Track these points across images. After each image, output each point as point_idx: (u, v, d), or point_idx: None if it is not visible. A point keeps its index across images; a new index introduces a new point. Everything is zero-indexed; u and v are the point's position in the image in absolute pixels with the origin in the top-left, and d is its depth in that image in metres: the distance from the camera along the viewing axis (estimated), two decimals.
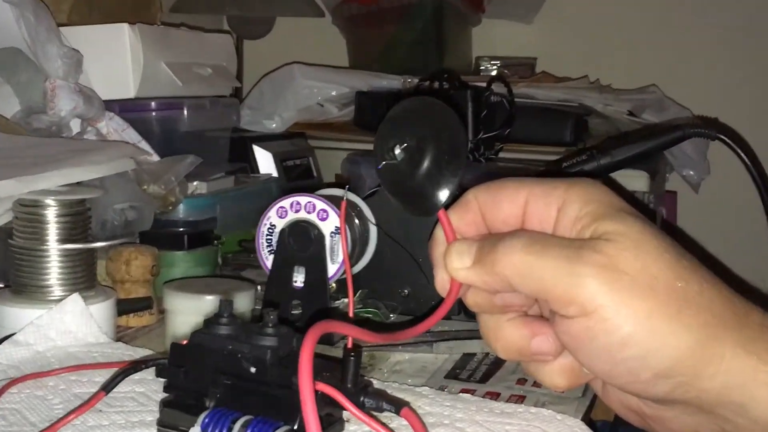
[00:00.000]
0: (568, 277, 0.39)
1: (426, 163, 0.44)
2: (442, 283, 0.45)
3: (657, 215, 1.15)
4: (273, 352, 0.50)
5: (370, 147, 1.49)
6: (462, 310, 0.87)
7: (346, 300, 0.81)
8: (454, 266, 0.43)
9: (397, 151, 0.44)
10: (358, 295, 0.83)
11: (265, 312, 0.51)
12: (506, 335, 0.44)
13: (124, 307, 0.78)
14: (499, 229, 0.44)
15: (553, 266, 0.39)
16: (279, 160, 1.30)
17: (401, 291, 0.84)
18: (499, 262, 0.41)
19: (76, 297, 0.68)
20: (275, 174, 1.28)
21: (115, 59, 1.02)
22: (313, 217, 0.76)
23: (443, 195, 0.44)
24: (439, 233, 0.45)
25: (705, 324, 0.38)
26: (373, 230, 0.83)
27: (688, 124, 0.85)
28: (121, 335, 0.77)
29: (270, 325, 0.51)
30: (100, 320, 0.70)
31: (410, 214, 0.46)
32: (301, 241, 0.76)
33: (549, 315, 0.42)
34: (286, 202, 0.77)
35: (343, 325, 0.46)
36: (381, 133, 0.45)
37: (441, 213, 0.45)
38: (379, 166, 0.45)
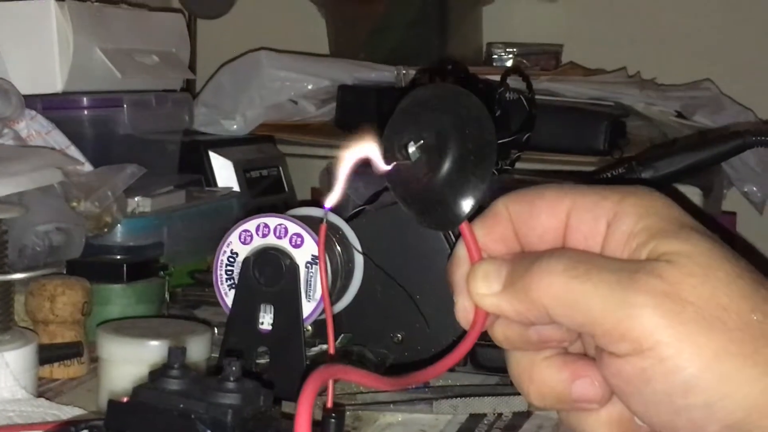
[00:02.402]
0: (619, 308, 0.39)
1: (447, 165, 0.44)
2: (464, 312, 0.45)
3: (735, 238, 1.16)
4: (235, 412, 0.50)
5: None
6: (470, 360, 0.88)
7: (324, 347, 0.82)
8: (480, 291, 0.44)
9: (412, 149, 0.45)
10: (339, 340, 0.83)
11: (225, 362, 0.52)
12: (542, 377, 0.44)
13: (47, 355, 0.79)
14: (535, 246, 0.45)
15: (601, 294, 0.40)
16: (241, 170, 1.31)
17: (393, 336, 0.85)
18: (535, 288, 0.42)
19: None
20: (237, 188, 1.29)
21: (39, 44, 1.03)
22: (284, 244, 0.77)
23: (467, 205, 0.44)
24: (461, 251, 0.46)
25: None
26: (359, 260, 0.83)
27: (750, 131, 0.86)
28: (43, 389, 0.78)
29: (231, 378, 0.51)
30: (18, 371, 0.71)
31: (426, 227, 0.46)
32: (270, 273, 0.76)
33: (595, 353, 0.43)
34: (251, 225, 0.78)
35: (352, 370, 0.45)
36: (392, 127, 0.46)
37: (464, 226, 0.45)
38: (390, 167, 0.45)
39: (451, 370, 0.86)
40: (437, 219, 0.45)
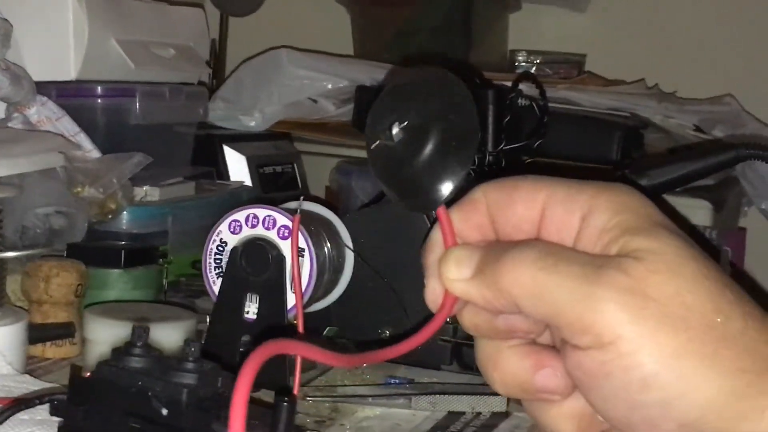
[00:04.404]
0: (583, 300, 0.40)
1: (429, 148, 0.44)
2: (433, 294, 0.45)
3: (722, 255, 1.16)
4: (191, 391, 0.51)
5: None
6: (456, 359, 0.89)
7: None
8: (451, 276, 0.44)
9: (395, 130, 0.45)
10: (325, 333, 0.84)
11: (185, 344, 0.53)
12: (507, 364, 0.44)
13: (38, 334, 0.80)
14: (510, 235, 0.45)
15: (567, 286, 0.40)
16: (254, 166, 1.32)
17: (381, 332, 0.85)
18: (504, 277, 0.42)
19: None
20: (248, 182, 1.30)
21: (54, 32, 1.05)
22: (272, 235, 0.78)
23: (446, 188, 0.44)
24: (436, 235, 0.46)
25: (744, 370, 0.39)
26: (350, 255, 0.84)
27: (745, 143, 0.86)
28: (33, 367, 0.79)
29: (190, 359, 0.52)
30: (5, 347, 0.72)
31: (404, 208, 0.47)
32: (257, 263, 0.78)
33: (559, 345, 0.43)
34: (240, 215, 0.79)
35: (301, 345, 0.45)
36: (378, 107, 0.46)
37: (441, 210, 0.45)
38: (372, 146, 0.45)
39: (437, 368, 0.87)
40: (415, 201, 0.45)
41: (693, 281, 0.40)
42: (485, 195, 0.45)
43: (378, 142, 0.45)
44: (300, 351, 0.46)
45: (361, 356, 0.48)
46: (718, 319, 0.39)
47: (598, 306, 0.39)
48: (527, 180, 0.45)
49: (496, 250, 0.43)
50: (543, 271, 0.41)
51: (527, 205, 0.44)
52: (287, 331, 0.75)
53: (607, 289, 0.39)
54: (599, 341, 0.39)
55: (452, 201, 0.45)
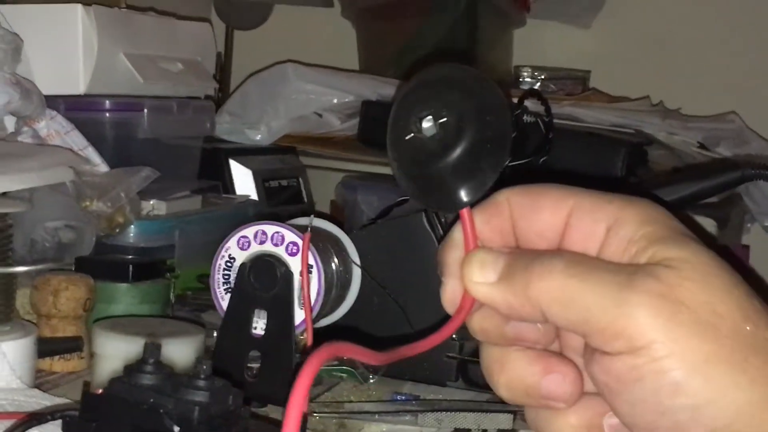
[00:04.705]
0: (615, 306, 0.40)
1: (462, 147, 0.43)
2: (452, 295, 0.45)
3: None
4: (202, 409, 0.52)
5: (375, 169, 1.51)
6: (461, 376, 0.89)
7: None
8: (475, 279, 0.44)
9: (428, 124, 0.43)
10: None
11: (197, 361, 0.53)
12: (513, 368, 0.44)
13: (47, 348, 0.81)
14: (532, 242, 0.45)
15: (598, 292, 0.40)
16: (260, 180, 1.33)
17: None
18: (533, 285, 0.42)
19: None
20: (254, 196, 1.31)
21: (64, 47, 1.05)
22: (280, 251, 0.78)
23: (473, 191, 0.44)
24: (457, 235, 0.45)
25: None
26: (358, 272, 0.85)
27: (749, 163, 0.86)
28: (41, 381, 0.79)
29: (201, 376, 0.53)
30: (15, 361, 0.73)
31: (425, 206, 0.46)
32: (265, 279, 0.78)
33: (585, 353, 0.43)
34: (249, 231, 0.80)
35: (351, 347, 0.43)
36: (411, 98, 0.44)
37: (465, 212, 0.44)
38: (400, 138, 0.44)
39: (443, 385, 0.88)
40: (439, 200, 0.44)
41: (723, 290, 0.40)
42: (509, 200, 0.45)
43: (410, 134, 0.43)
44: (352, 353, 0.45)
45: (393, 353, 0.47)
46: (748, 328, 0.40)
47: (631, 311, 0.39)
48: (554, 187, 0.45)
49: (523, 257, 0.43)
50: (574, 278, 0.41)
51: (553, 212, 0.44)
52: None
53: (640, 294, 0.39)
54: (631, 346, 0.39)
55: (475, 204, 0.45)
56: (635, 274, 0.40)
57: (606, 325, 0.40)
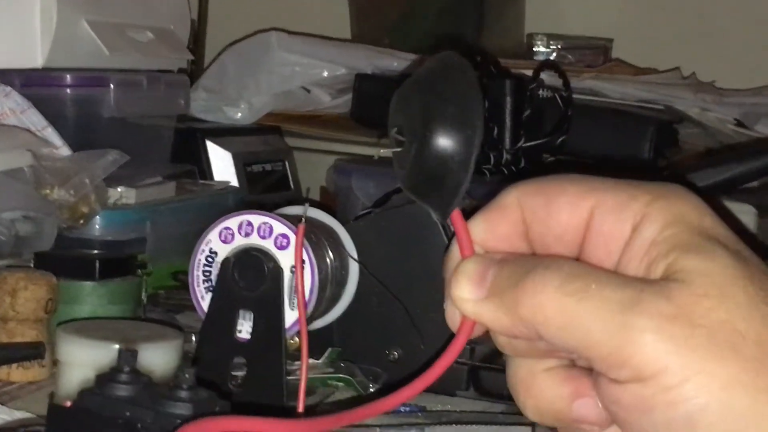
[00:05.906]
0: (619, 331, 0.39)
1: (425, 151, 0.44)
2: (451, 314, 0.44)
3: None
4: (185, 423, 0.52)
5: (371, 151, 1.50)
6: (473, 385, 0.89)
7: (313, 361, 0.83)
8: (462, 295, 0.43)
9: (396, 137, 0.45)
10: (327, 355, 0.85)
11: (179, 369, 0.53)
12: (541, 390, 0.44)
13: (5, 355, 0.81)
14: (549, 246, 0.44)
15: (600, 316, 0.40)
16: (241, 164, 1.33)
17: (389, 353, 0.86)
18: (524, 303, 0.41)
19: None
20: (235, 182, 1.30)
21: (18, 14, 1.04)
22: (268, 244, 0.78)
23: (450, 194, 0.44)
24: (456, 246, 0.45)
25: None
26: (355, 267, 0.85)
27: None
28: None
29: (184, 386, 0.53)
30: None
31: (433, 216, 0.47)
32: (251, 276, 0.78)
33: (593, 376, 0.42)
34: (233, 222, 0.79)
35: (242, 420, 0.45)
36: (390, 112, 0.46)
37: (455, 216, 0.44)
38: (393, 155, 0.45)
39: (451, 395, 0.88)
40: (433, 211, 0.45)
41: (747, 306, 0.39)
42: (519, 200, 0.45)
43: (393, 150, 0.45)
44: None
45: (354, 412, 0.45)
46: None
47: (637, 337, 0.39)
48: (571, 182, 0.44)
49: (514, 268, 0.42)
50: (571, 298, 0.40)
51: (572, 213, 0.43)
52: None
53: (647, 318, 0.39)
54: (639, 375, 0.39)
55: (477, 206, 0.45)
56: (643, 292, 0.40)
57: (610, 351, 0.40)
